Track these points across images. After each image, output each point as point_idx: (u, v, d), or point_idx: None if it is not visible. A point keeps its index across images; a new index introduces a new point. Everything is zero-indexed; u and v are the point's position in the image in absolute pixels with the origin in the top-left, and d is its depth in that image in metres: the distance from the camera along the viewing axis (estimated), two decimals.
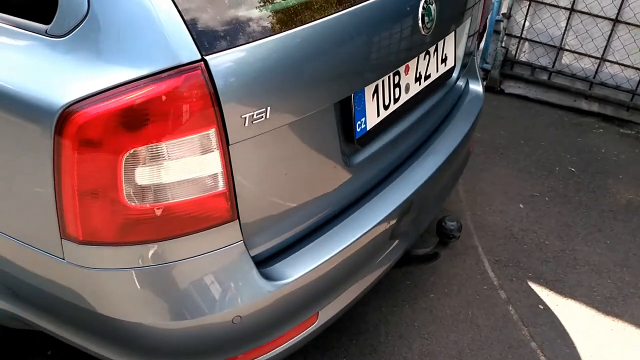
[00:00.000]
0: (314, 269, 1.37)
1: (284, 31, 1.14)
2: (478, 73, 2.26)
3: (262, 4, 1.14)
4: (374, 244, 1.55)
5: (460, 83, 2.01)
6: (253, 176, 1.20)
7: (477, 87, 2.24)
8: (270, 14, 1.14)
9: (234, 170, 1.15)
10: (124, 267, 1.16)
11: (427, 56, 1.71)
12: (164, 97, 1.01)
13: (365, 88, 1.44)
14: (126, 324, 1.24)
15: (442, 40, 1.77)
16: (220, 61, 1.05)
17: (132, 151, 1.03)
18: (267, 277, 1.30)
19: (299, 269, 1.36)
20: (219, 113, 1.06)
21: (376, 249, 1.59)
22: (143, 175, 1.06)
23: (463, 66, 1.97)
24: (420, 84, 1.70)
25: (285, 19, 1.16)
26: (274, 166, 1.24)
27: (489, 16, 3.93)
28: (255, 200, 1.24)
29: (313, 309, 1.46)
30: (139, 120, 1.02)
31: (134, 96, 1.00)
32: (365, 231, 1.48)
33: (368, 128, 1.50)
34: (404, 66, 1.59)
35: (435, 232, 1.81)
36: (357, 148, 1.48)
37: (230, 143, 1.10)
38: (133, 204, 1.08)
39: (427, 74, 1.73)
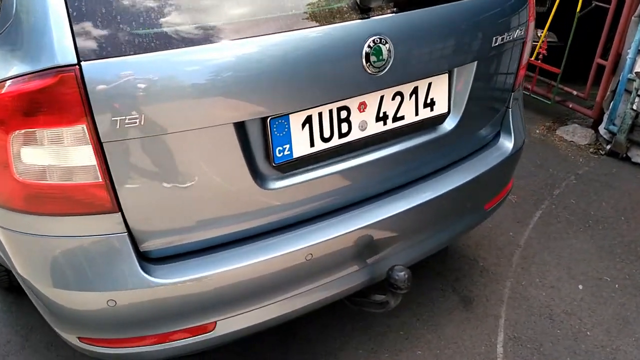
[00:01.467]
0: (203, 277, 1.44)
1: (167, 49, 1.25)
2: (512, 127, 2.07)
3: (153, 21, 1.26)
4: (292, 272, 1.56)
5: (463, 132, 1.88)
6: (136, 176, 1.32)
7: (505, 141, 2.06)
8: (159, 31, 1.26)
9: (111, 166, 1.28)
10: (21, 231, 1.36)
11: (399, 97, 1.66)
12: (40, 91, 1.19)
13: (290, 116, 1.47)
14: (28, 282, 1.45)
15: (426, 83, 1.70)
16: (95, 67, 1.20)
17: (16, 133, 1.23)
18: (153, 274, 1.40)
19: (187, 274, 1.43)
20: (89, 112, 1.21)
21: (297, 278, 1.59)
22: (26, 155, 1.25)
23: (469, 115, 1.85)
24: (385, 124, 1.66)
25: (174, 37, 1.26)
26: (161, 171, 1.34)
27: (622, 73, 3.51)
28: (143, 200, 1.35)
29: (207, 316, 1.52)
30: (22, 107, 1.21)
31: (20, 86, 1.20)
32: (271, 257, 1.50)
33: (295, 156, 1.52)
34: (356, 102, 1.57)
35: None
36: (278, 174, 1.51)
37: (103, 141, 1.24)
38: (22, 178, 1.27)
39: (398, 116, 1.68)
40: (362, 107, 1.60)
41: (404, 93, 1.67)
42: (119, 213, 1.34)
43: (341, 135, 1.59)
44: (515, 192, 3.21)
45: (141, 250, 1.41)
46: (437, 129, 1.81)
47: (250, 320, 1.60)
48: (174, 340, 1.52)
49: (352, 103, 1.57)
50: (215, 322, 1.54)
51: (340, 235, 1.61)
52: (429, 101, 1.74)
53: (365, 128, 1.63)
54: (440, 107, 1.78)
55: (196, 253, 1.49)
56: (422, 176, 1.85)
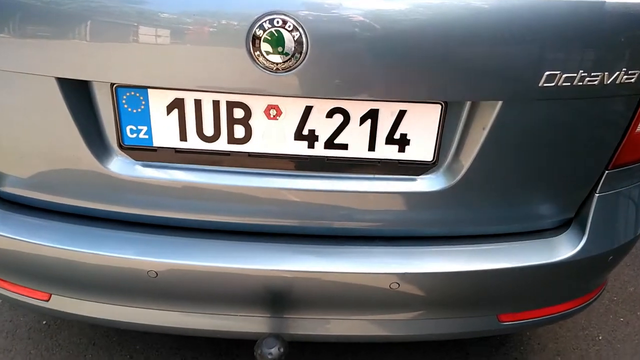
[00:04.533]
0: (28, 241, 1.26)
1: None
2: (591, 222, 1.29)
3: None
4: (129, 280, 1.26)
5: (470, 199, 1.22)
6: None
7: (570, 238, 1.30)
8: None
9: None
10: None
11: (340, 116, 1.12)
12: None
13: (149, 91, 1.10)
14: None
15: (395, 110, 1.11)
16: None
17: None
18: None
19: (24, 234, 1.27)
20: None
21: (137, 290, 1.28)
22: None
23: (483, 178, 1.18)
24: (312, 147, 1.15)
25: None
26: None
27: None
28: None
29: (42, 285, 1.35)
30: None
31: None
32: (102, 253, 1.22)
33: (155, 144, 1.16)
34: (260, 103, 1.10)
35: None
36: (128, 158, 1.18)
37: None
38: None
39: (337, 142, 1.14)
40: (273, 112, 1.12)
41: (349, 112, 1.11)
42: None
43: (233, 140, 1.15)
44: None
45: None
46: (413, 181, 1.19)
47: (95, 311, 1.37)
48: (15, 292, 1.39)
49: (254, 102, 1.11)
50: (50, 295, 1.35)
51: (212, 266, 1.22)
52: (397, 136, 1.14)
53: (277, 142, 1.15)
54: (419, 151, 1.16)
55: (46, 214, 1.29)
56: (379, 237, 1.27)
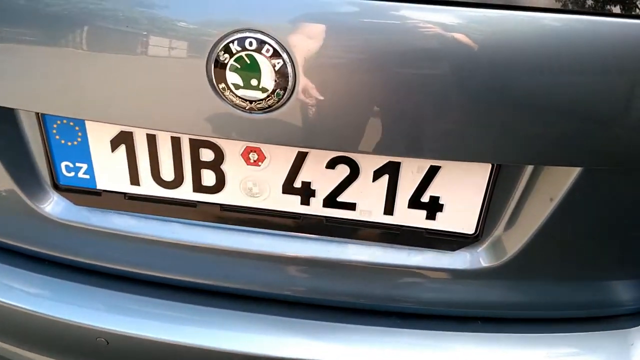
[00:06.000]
0: None
1: None
2: None
3: None
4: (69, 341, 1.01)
5: (525, 277, 0.89)
6: None
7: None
8: None
9: None
10: None
11: (346, 169, 0.80)
12: None
13: (87, 123, 0.81)
14: None
15: (425, 166, 0.78)
16: None
17: None
18: None
19: None
20: None
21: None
22: None
23: (546, 255, 0.85)
24: (307, 203, 0.84)
25: None
26: None
27: None
28: None
29: None
30: None
31: None
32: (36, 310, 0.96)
33: (99, 186, 0.87)
34: (234, 145, 0.80)
35: None
36: (66, 200, 0.90)
37: None
38: None
39: (341, 200, 0.83)
40: (253, 157, 0.81)
41: (359, 164, 0.79)
42: None
43: (200, 188, 0.85)
44: None
45: None
46: (445, 256, 0.87)
47: None
48: None
49: (226, 143, 0.80)
50: None
51: (172, 342, 0.94)
52: (425, 199, 0.81)
53: (259, 194, 0.84)
54: (455, 220, 0.83)
55: None
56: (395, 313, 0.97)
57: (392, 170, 0.79)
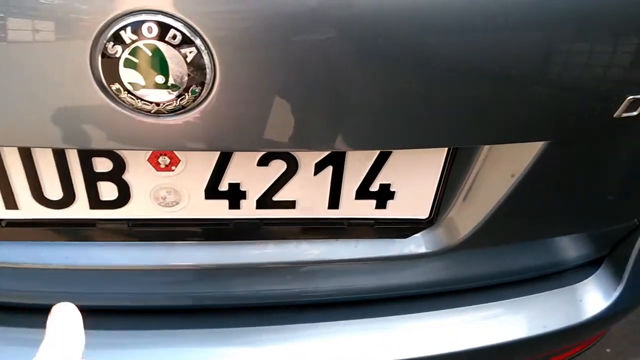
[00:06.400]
0: None
1: None
2: (632, 266, 0.93)
3: None
4: None
5: (476, 255, 0.82)
6: None
7: (601, 286, 0.95)
8: None
9: None
10: None
11: (283, 164, 0.66)
12: None
13: None
14: None
15: (372, 155, 0.66)
16: None
17: None
18: None
19: None
20: None
21: None
22: None
23: (498, 228, 0.77)
24: (237, 206, 0.69)
25: None
26: None
27: None
28: None
29: None
30: None
31: None
32: None
33: None
34: (140, 153, 0.62)
35: None
36: None
37: None
38: None
39: (276, 199, 0.69)
40: (164, 161, 0.64)
41: (297, 158, 0.65)
42: None
43: (99, 204, 0.67)
44: None
45: None
46: (396, 244, 0.77)
47: None
48: None
49: (124, 151, 0.62)
50: None
51: None
52: (374, 188, 0.70)
53: (179, 204, 0.68)
54: (407, 207, 0.73)
55: None
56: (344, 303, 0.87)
57: (336, 161, 0.66)
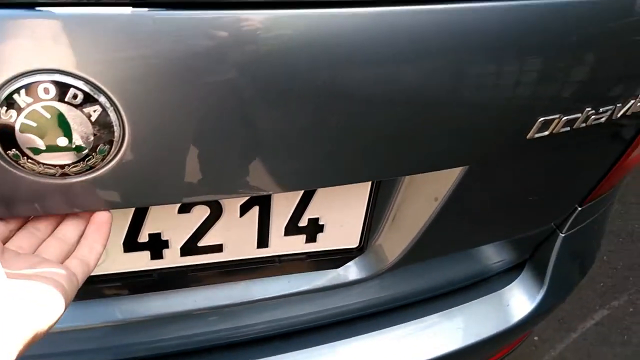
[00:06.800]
0: None
1: None
2: (554, 265, 0.97)
3: None
4: None
5: (402, 275, 0.83)
6: None
7: (525, 286, 0.98)
8: None
9: None
10: None
11: (207, 209, 0.62)
12: None
13: None
14: None
15: (296, 193, 0.64)
16: None
17: None
18: None
19: None
20: None
21: None
22: None
23: (425, 249, 0.78)
24: (157, 256, 0.65)
25: None
26: None
27: None
28: None
29: None
30: None
31: None
32: None
33: None
34: None
35: None
36: None
37: None
38: None
39: (201, 245, 0.66)
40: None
41: (221, 203, 0.63)
42: None
43: None
44: None
45: None
46: (329, 275, 0.76)
47: None
48: None
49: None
50: None
51: None
52: (302, 223, 0.69)
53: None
54: (338, 238, 0.72)
55: None
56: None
57: (261, 201, 0.64)
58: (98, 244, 0.52)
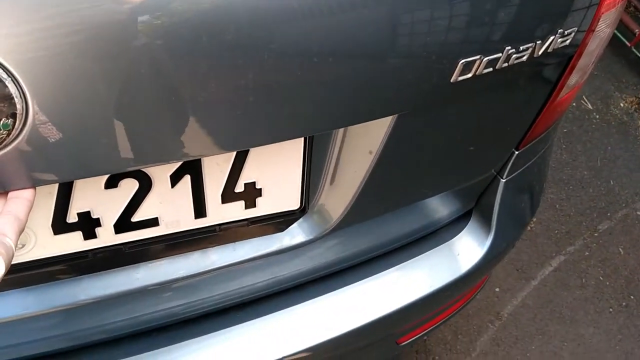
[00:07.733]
0: None
1: None
2: (498, 213, 0.99)
3: None
4: None
5: (352, 233, 0.83)
6: None
7: (474, 235, 1.00)
8: None
9: None
10: None
11: (135, 182, 0.61)
12: None
13: None
14: None
15: (229, 157, 0.63)
16: None
17: None
18: None
19: None
20: None
21: None
22: None
23: (367, 205, 0.78)
24: (91, 236, 0.63)
25: None
26: None
27: None
28: None
29: None
30: None
31: None
32: None
33: None
34: None
35: None
36: None
37: None
38: None
39: (135, 220, 0.64)
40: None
41: (149, 174, 0.61)
42: None
43: None
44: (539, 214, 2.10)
45: None
46: (275, 240, 0.76)
47: None
48: None
49: None
50: None
51: None
52: (239, 189, 0.67)
53: (26, 246, 0.61)
54: (278, 201, 0.71)
55: None
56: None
57: (192, 169, 0.63)
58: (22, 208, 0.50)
